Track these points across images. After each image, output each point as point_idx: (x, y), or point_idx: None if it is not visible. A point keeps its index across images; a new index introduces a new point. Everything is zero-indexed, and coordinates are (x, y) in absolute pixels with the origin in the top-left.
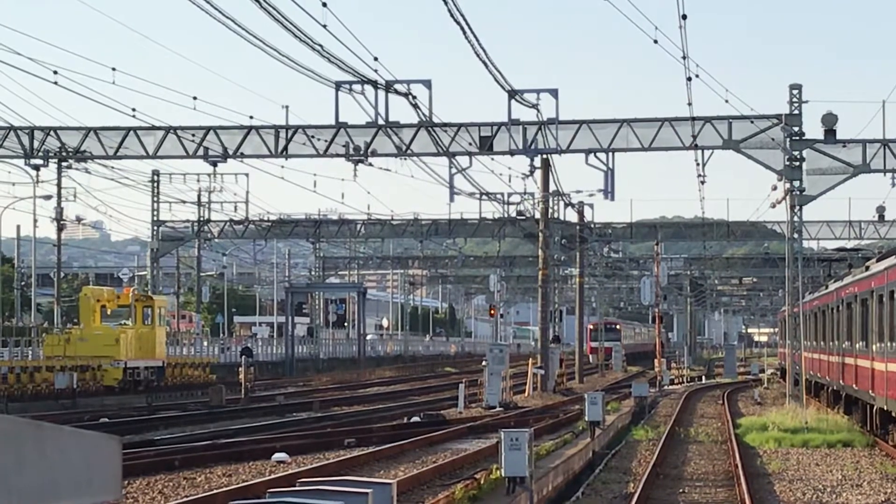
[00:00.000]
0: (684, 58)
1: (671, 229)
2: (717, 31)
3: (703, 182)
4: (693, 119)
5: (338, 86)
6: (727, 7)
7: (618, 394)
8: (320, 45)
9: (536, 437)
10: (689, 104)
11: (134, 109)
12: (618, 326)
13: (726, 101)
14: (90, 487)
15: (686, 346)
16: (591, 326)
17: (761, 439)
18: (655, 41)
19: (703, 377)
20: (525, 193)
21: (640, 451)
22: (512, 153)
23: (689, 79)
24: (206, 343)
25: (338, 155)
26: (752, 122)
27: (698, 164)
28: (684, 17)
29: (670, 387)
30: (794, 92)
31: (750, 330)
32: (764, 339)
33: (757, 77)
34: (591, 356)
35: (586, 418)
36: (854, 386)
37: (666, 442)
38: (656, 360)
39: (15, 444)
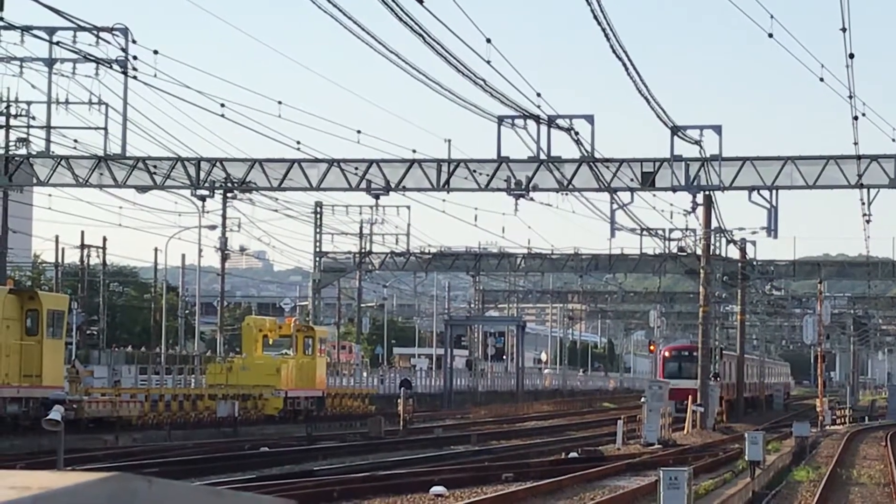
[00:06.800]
0: (851, 97)
1: (835, 268)
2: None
3: (868, 221)
4: (859, 157)
5: (500, 120)
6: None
7: (779, 433)
8: (483, 80)
9: (695, 476)
10: (856, 143)
11: (298, 142)
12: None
13: (893, 140)
14: None
15: (848, 385)
16: (666, 354)
17: None
18: (821, 79)
19: (866, 417)
20: (686, 230)
21: (801, 493)
22: (674, 189)
23: (856, 117)
24: (365, 374)
25: (499, 189)
26: None
27: (864, 203)
28: (851, 55)
29: (832, 427)
30: None
31: None
32: None
33: None
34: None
35: (746, 457)
36: None
37: (827, 483)
38: (818, 400)
39: None
